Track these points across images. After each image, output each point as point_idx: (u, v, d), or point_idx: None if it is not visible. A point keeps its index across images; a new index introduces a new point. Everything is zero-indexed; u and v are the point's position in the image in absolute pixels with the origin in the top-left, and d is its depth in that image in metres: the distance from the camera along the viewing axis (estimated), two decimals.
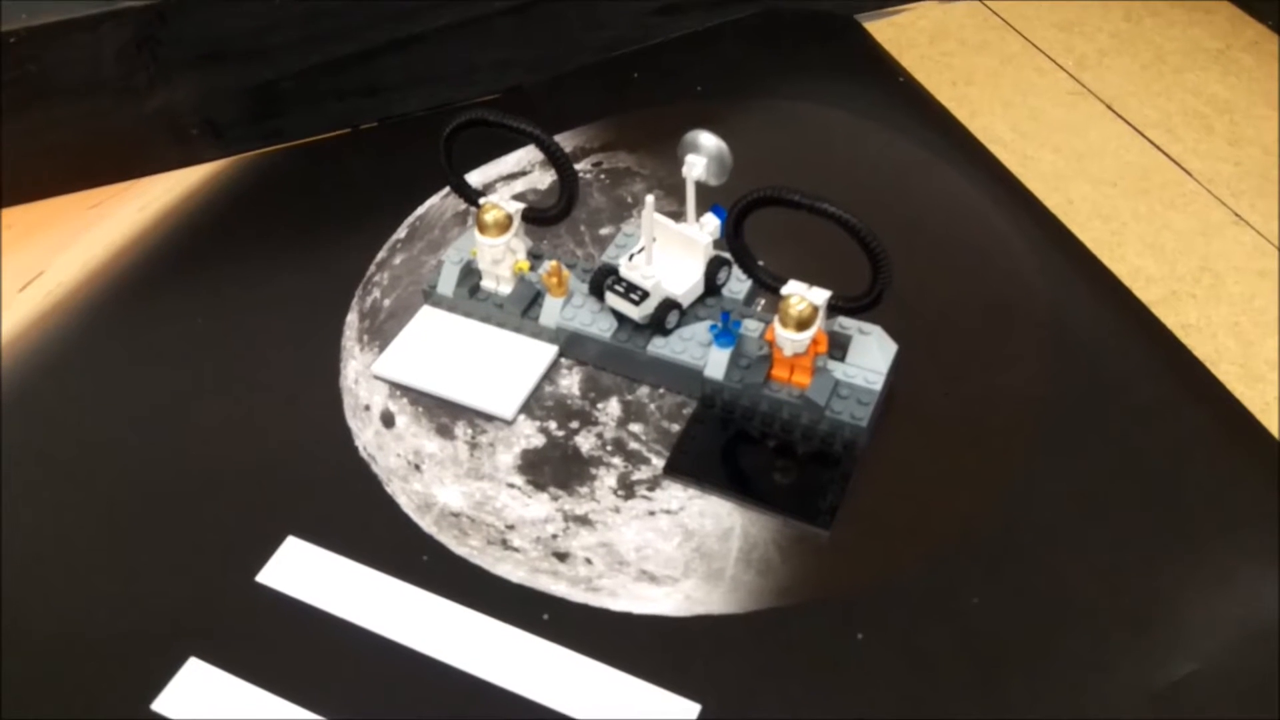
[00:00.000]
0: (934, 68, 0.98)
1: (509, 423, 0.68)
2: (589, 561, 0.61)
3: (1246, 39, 0.99)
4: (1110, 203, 0.83)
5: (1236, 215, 0.81)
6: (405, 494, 0.64)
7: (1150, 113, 0.91)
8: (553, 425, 0.68)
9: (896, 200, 0.81)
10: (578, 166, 0.73)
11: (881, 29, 1.03)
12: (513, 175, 0.87)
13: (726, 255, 0.68)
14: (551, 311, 0.70)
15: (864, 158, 0.87)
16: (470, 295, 0.73)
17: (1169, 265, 0.77)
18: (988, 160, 0.86)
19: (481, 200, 0.70)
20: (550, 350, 0.71)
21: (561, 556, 0.61)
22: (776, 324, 0.63)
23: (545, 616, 0.58)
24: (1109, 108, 0.92)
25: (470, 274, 0.73)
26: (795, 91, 0.94)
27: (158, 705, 0.56)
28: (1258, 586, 0.59)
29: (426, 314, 0.74)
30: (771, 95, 0.94)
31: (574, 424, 0.68)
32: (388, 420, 0.69)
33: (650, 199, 0.65)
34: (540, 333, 0.71)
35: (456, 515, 0.63)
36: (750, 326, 0.67)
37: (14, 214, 0.87)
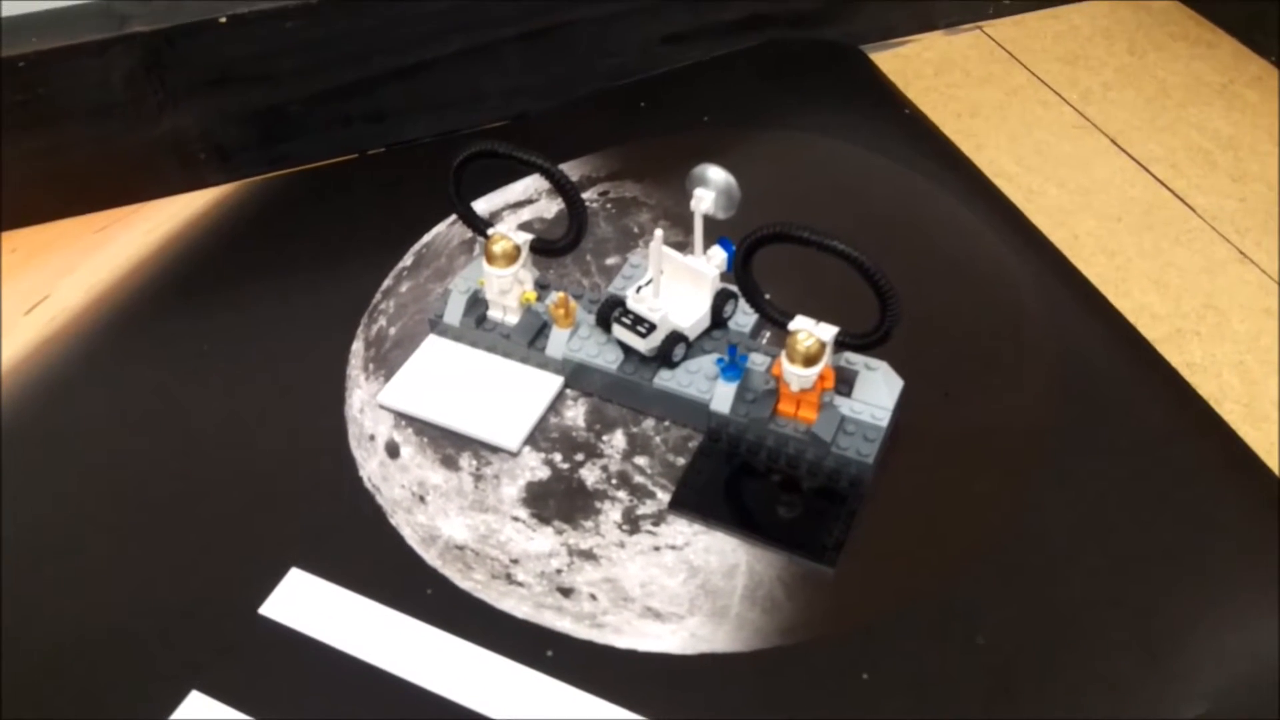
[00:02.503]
0: (939, 99, 0.98)
1: (514, 454, 0.68)
2: (593, 597, 0.61)
3: (1249, 74, 1.00)
4: (1115, 238, 0.83)
5: (1241, 253, 0.81)
6: (410, 526, 0.64)
7: (1154, 148, 0.92)
8: (558, 457, 0.68)
9: (902, 233, 0.81)
10: (583, 195, 0.73)
11: (887, 60, 1.03)
12: (519, 204, 0.87)
13: (733, 288, 0.68)
14: (558, 342, 0.70)
15: (869, 189, 0.88)
16: (477, 325, 0.73)
17: (1174, 302, 0.77)
18: (993, 194, 0.87)
19: (490, 231, 0.70)
20: (556, 381, 0.71)
21: (566, 592, 0.61)
22: (783, 359, 0.63)
23: (549, 653, 0.58)
24: (1113, 142, 0.93)
25: (477, 304, 0.73)
26: (801, 122, 0.94)
27: None
28: (1264, 625, 0.58)
29: (432, 343, 0.74)
30: (778, 126, 0.94)
31: (579, 456, 0.68)
32: (393, 450, 0.69)
33: (659, 232, 0.65)
34: (546, 364, 0.71)
35: (461, 548, 0.63)
36: (757, 360, 0.67)
37: (20, 236, 0.87)
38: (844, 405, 0.65)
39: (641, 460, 0.67)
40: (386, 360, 0.74)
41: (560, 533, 0.64)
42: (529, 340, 0.71)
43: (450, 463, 0.68)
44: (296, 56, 0.89)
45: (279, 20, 0.86)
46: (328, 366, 0.74)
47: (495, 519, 0.64)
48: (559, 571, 0.62)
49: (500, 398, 0.70)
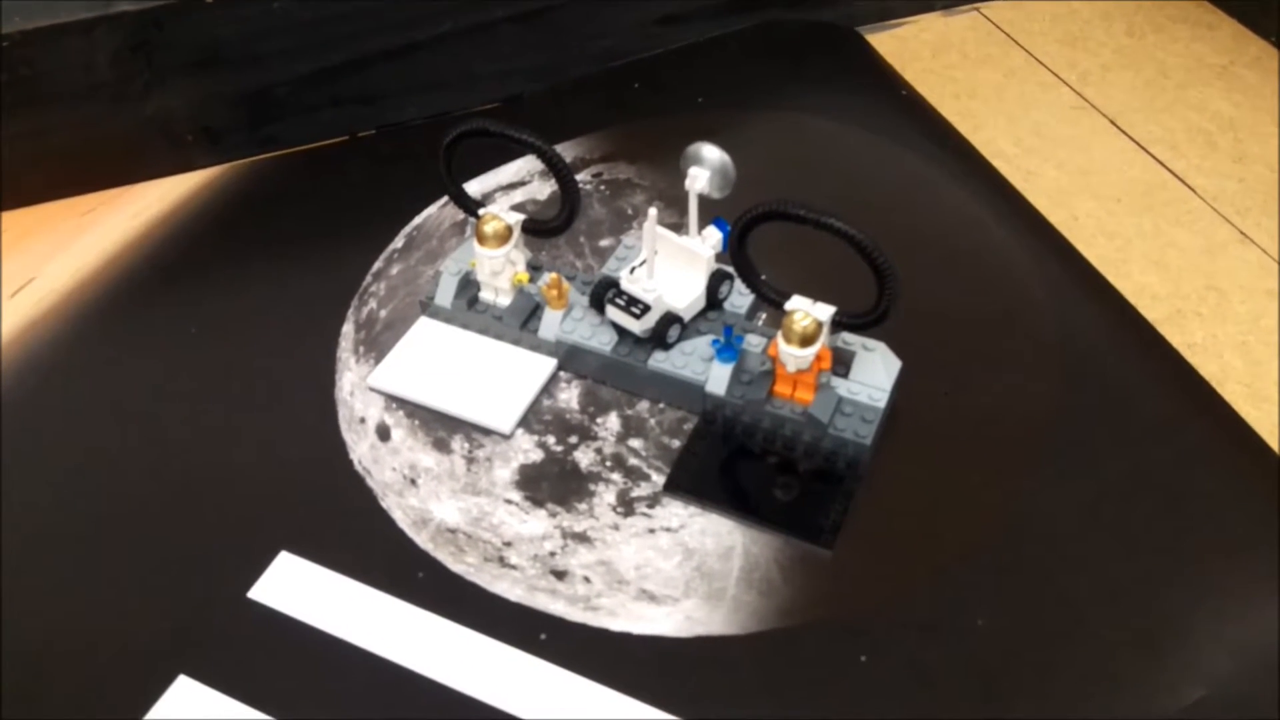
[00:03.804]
0: (936, 80, 0.97)
1: (507, 437, 0.67)
2: (588, 580, 0.60)
3: (1249, 55, 0.99)
4: (1115, 219, 0.82)
5: (1241, 233, 0.80)
6: (401, 509, 0.63)
7: (1154, 128, 0.91)
8: (551, 440, 0.67)
9: (899, 214, 0.80)
10: (577, 177, 0.73)
11: (883, 41, 1.02)
12: (512, 185, 0.86)
13: (728, 269, 0.67)
14: (551, 324, 0.69)
15: (866, 171, 0.87)
16: (468, 307, 0.72)
17: (1174, 283, 0.77)
18: (991, 175, 0.86)
19: (481, 211, 0.69)
20: (549, 363, 0.70)
21: (560, 575, 0.60)
22: (780, 340, 0.62)
23: (543, 636, 0.57)
24: (1112, 123, 0.92)
25: (469, 285, 0.72)
26: (797, 103, 0.93)
27: None
28: (1264, 609, 0.58)
29: (424, 325, 0.73)
30: (773, 107, 0.93)
31: (573, 439, 0.67)
32: (383, 433, 0.68)
33: (653, 212, 0.64)
34: (539, 345, 0.70)
35: (453, 531, 0.62)
36: (753, 342, 0.66)
37: (6, 219, 0.86)
38: (841, 386, 0.64)
39: (636, 442, 0.66)
40: (377, 343, 0.73)
41: (554, 515, 0.63)
42: (521, 322, 0.70)
43: (442, 445, 0.67)
44: (285, 37, 0.87)
45: (267, 0, 0.85)
46: (318, 349, 0.73)
47: (488, 502, 0.63)
48: (552, 554, 0.61)
49: (493, 380, 0.69)
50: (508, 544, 0.61)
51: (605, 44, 0.97)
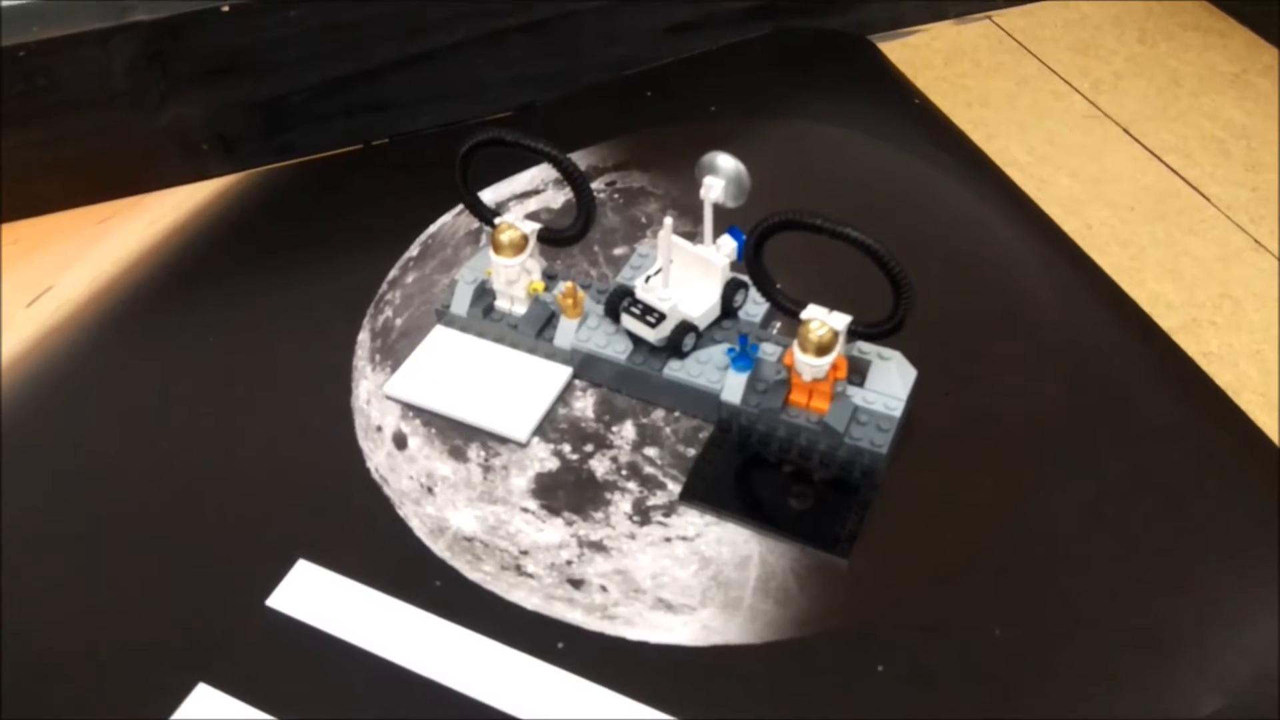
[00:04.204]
0: (949, 89, 0.97)
1: (523, 445, 0.67)
2: (604, 589, 0.60)
3: (1262, 64, 0.99)
4: (1128, 228, 0.82)
5: (1256, 241, 0.80)
6: (418, 517, 0.64)
7: (1167, 137, 0.91)
8: (567, 448, 0.67)
9: (913, 223, 0.80)
10: (590, 186, 0.73)
11: (896, 49, 1.02)
12: (526, 194, 0.86)
13: (743, 277, 0.67)
14: (566, 333, 0.70)
15: (878, 179, 0.87)
16: (484, 315, 0.72)
17: (1188, 291, 0.77)
18: (1004, 183, 0.86)
19: (497, 220, 0.69)
20: (565, 372, 0.70)
21: (576, 583, 0.60)
22: (795, 348, 0.62)
23: (560, 645, 0.58)
24: (1125, 131, 0.92)
25: (484, 294, 0.72)
26: (809, 112, 0.93)
27: None
28: (1267, 610, 0.58)
29: (439, 334, 0.73)
30: (786, 115, 0.93)
31: (588, 447, 0.67)
32: (400, 442, 0.68)
33: (669, 221, 0.64)
34: (555, 354, 0.70)
35: (470, 540, 0.62)
36: (768, 350, 0.66)
37: (21, 228, 0.87)
38: (857, 395, 0.64)
39: (651, 451, 0.67)
40: (393, 351, 0.74)
41: (570, 524, 0.63)
42: (537, 330, 0.70)
43: (458, 454, 0.67)
44: (300, 46, 0.88)
45: (282, 9, 0.85)
46: (334, 358, 0.73)
47: (504, 510, 0.64)
48: (569, 563, 0.61)
49: (508, 388, 0.69)
50: (524, 552, 0.62)
51: (617, 52, 0.98)
